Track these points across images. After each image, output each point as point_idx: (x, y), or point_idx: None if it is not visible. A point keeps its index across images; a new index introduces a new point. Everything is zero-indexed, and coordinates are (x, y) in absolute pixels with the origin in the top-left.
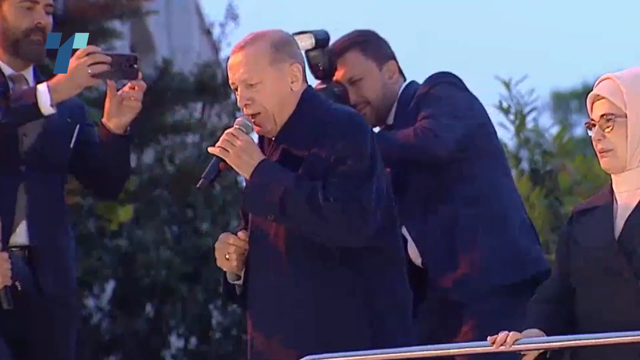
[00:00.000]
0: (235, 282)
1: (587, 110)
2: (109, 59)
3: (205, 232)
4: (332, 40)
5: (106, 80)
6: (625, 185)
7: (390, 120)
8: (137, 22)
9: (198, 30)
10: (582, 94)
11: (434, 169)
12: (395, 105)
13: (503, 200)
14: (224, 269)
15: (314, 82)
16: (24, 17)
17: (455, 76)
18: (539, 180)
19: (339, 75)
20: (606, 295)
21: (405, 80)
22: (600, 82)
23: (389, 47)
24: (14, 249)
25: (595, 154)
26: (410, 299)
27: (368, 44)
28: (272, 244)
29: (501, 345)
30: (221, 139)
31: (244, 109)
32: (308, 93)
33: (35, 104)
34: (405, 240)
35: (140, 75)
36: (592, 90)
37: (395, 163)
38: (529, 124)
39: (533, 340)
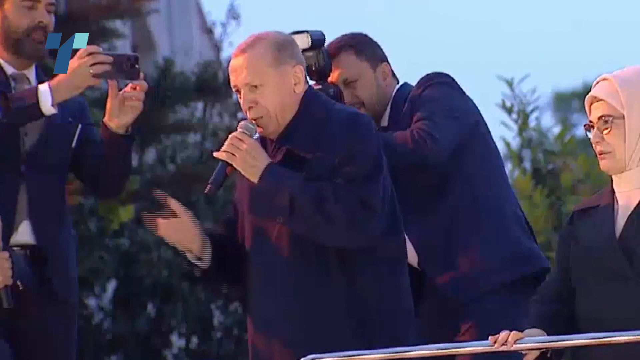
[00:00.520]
0: (197, 263)
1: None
2: (110, 59)
3: None
4: (327, 41)
5: (107, 80)
6: (625, 185)
7: (385, 121)
8: (139, 21)
9: (199, 29)
10: (582, 94)
11: (431, 169)
12: (389, 107)
13: (500, 198)
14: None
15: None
16: (26, 16)
17: (449, 76)
18: (541, 179)
19: (333, 76)
20: (606, 295)
21: (398, 82)
22: (597, 83)
23: (381, 49)
24: (15, 248)
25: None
26: (411, 299)
27: (361, 46)
28: (274, 247)
29: (503, 344)
30: (226, 143)
31: (248, 111)
32: (310, 94)
33: (37, 104)
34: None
35: (141, 75)
36: (590, 91)
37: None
38: (532, 123)
39: (534, 340)
